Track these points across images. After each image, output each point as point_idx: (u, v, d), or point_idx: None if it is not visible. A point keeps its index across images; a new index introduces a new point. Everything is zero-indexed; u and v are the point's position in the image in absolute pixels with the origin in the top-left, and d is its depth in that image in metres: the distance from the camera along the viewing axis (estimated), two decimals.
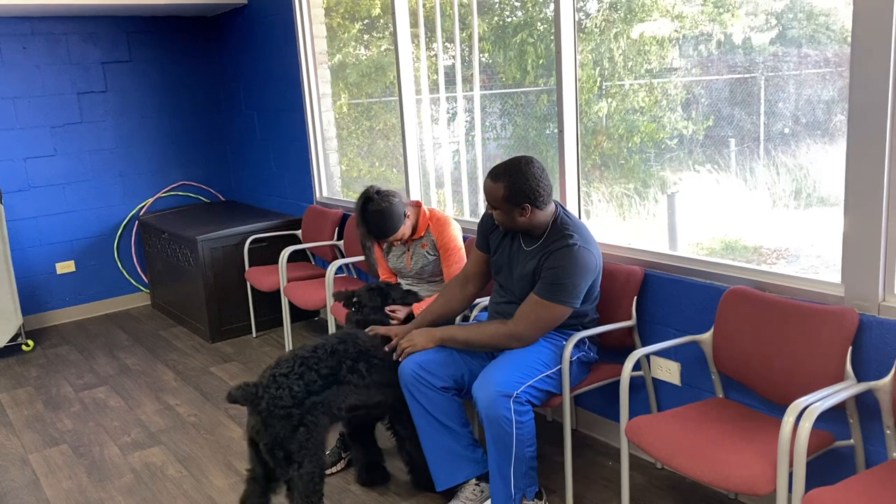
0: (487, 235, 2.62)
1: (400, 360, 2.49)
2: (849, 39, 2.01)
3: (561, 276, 2.30)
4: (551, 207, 2.42)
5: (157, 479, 2.94)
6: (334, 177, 4.70)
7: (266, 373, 2.35)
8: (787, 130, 2.49)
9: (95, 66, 5.11)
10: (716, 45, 2.61)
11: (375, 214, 2.84)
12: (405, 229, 2.93)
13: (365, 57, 4.41)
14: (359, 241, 3.10)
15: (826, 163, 2.42)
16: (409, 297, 2.85)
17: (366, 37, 4.41)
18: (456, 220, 3.04)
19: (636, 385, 2.76)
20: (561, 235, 2.36)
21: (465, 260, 2.95)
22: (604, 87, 3.01)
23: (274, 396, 2.26)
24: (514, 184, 2.31)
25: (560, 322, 2.38)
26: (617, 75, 2.97)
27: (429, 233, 2.99)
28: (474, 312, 2.85)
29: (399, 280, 3.15)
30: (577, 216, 2.52)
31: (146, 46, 5.28)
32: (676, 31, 2.71)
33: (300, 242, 4.63)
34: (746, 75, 2.56)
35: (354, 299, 2.80)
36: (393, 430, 2.67)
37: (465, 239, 3.12)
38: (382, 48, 4.21)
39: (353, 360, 2.43)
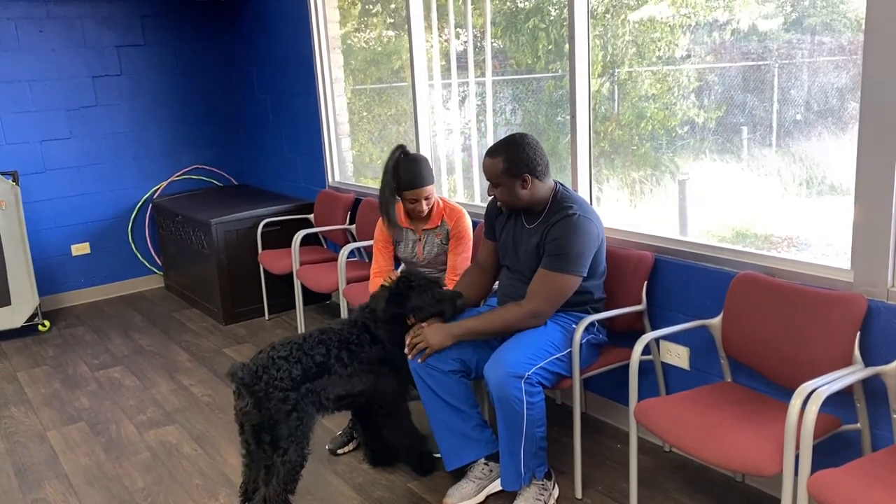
0: (493, 222, 2.65)
1: (411, 357, 2.51)
2: (864, 26, 2.01)
3: (564, 246, 2.34)
4: (550, 182, 2.46)
5: (172, 456, 3.00)
6: (346, 161, 4.73)
7: (261, 355, 2.34)
8: (799, 118, 2.49)
9: (110, 50, 5.14)
10: (730, 32, 2.61)
11: (412, 162, 2.85)
12: (432, 199, 2.92)
13: (375, 42, 4.42)
14: (382, 201, 2.89)
15: (838, 151, 2.43)
16: (428, 303, 2.54)
17: (375, 20, 4.41)
18: (467, 205, 3.06)
19: (645, 369, 2.79)
20: (561, 208, 2.40)
21: (471, 252, 2.98)
22: (615, 74, 3.01)
23: (273, 377, 2.27)
24: (512, 155, 2.36)
25: (571, 292, 2.41)
26: (627, 62, 2.97)
27: (444, 222, 3.00)
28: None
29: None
30: (577, 194, 2.54)
31: (160, 30, 5.31)
32: (688, 16, 2.71)
33: (312, 226, 4.66)
34: (760, 63, 2.56)
35: (367, 309, 2.60)
36: (367, 412, 2.68)
37: (474, 226, 3.14)
38: (393, 33, 4.22)
39: (337, 349, 2.46)
